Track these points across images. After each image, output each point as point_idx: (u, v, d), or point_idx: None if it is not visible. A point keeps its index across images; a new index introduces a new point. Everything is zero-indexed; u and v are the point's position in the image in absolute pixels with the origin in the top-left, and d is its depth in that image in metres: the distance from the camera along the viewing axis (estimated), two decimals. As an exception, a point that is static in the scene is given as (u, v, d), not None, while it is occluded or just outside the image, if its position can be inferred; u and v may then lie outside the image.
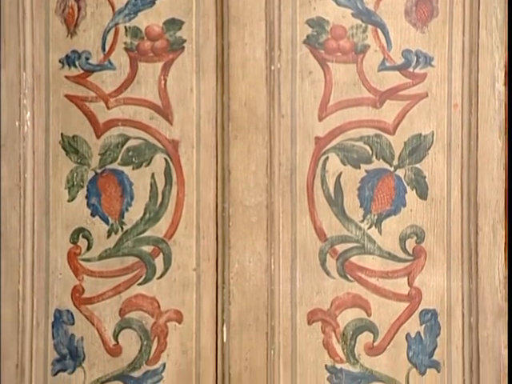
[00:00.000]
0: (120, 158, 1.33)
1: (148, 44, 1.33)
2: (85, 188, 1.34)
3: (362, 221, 1.33)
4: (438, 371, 1.33)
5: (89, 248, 1.33)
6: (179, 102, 1.33)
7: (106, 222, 1.34)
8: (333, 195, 1.33)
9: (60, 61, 1.34)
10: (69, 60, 1.34)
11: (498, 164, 1.33)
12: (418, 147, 1.33)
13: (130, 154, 1.33)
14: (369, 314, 1.33)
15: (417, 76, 1.33)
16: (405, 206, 1.33)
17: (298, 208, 1.33)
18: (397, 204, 1.33)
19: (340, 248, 1.33)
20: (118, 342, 1.33)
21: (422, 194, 1.33)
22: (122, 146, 1.33)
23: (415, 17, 1.33)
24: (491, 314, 1.32)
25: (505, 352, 1.31)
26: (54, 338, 1.33)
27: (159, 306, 1.33)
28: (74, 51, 1.34)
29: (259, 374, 1.31)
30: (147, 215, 1.33)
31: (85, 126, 1.33)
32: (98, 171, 1.33)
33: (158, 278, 1.33)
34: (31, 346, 1.32)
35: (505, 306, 1.32)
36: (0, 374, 1.31)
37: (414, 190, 1.33)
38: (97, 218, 1.34)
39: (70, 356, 1.33)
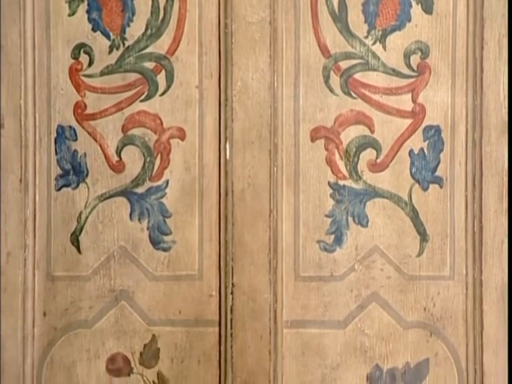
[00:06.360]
0: (120, -29, 1.31)
1: None
2: (85, 2, 1.32)
3: (367, 37, 1.32)
4: (441, 187, 1.33)
5: (90, 64, 1.32)
6: None
7: (108, 37, 1.32)
8: (337, 11, 1.31)
9: None
10: None
11: (505, -25, 1.30)
12: (424, -41, 1.31)
13: (131, -33, 1.31)
14: (372, 131, 1.33)
15: None
16: (410, 21, 1.31)
17: (302, 24, 1.31)
18: (402, 19, 1.31)
19: (344, 64, 1.32)
20: (121, 159, 1.33)
21: (428, 9, 1.31)
22: (123, -41, 1.31)
23: None
24: (495, 129, 1.31)
25: (507, 167, 1.31)
26: (57, 153, 1.33)
27: (162, 123, 1.32)
28: None
29: (262, 190, 1.31)
30: (149, 31, 1.31)
31: None
32: (99, -15, 1.32)
33: (161, 95, 1.32)
34: (34, 161, 1.32)
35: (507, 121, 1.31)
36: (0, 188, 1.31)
37: (420, 5, 1.31)
38: (98, 33, 1.32)
39: (73, 171, 1.33)
